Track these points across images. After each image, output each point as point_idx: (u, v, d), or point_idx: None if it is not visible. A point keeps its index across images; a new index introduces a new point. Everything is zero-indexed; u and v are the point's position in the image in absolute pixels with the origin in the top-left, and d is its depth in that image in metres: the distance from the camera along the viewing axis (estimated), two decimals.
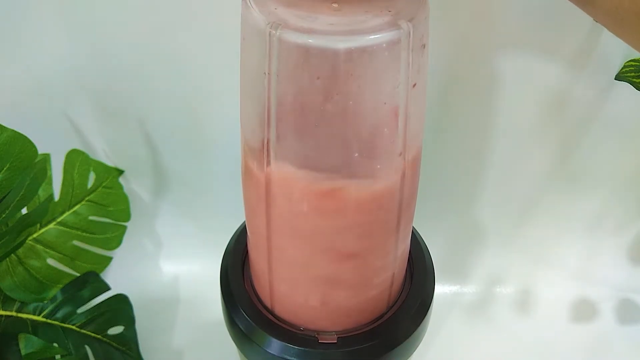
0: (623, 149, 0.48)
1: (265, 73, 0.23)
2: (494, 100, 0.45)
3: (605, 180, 0.50)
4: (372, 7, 0.23)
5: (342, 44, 0.21)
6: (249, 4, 0.24)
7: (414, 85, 0.24)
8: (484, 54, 0.42)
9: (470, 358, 0.51)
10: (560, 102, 0.45)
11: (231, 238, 0.37)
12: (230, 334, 0.34)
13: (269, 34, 0.22)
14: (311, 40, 0.22)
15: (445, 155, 0.48)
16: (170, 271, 0.56)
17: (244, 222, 0.36)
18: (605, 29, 0.24)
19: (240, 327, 0.32)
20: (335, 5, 0.23)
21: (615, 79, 0.42)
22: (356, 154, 0.25)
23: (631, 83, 0.41)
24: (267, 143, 0.25)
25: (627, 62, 0.41)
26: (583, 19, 0.35)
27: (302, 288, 0.30)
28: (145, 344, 0.48)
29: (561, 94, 0.44)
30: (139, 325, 0.48)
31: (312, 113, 0.23)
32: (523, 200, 0.52)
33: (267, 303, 0.33)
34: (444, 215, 0.53)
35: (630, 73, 0.41)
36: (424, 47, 0.24)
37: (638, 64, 0.41)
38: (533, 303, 0.55)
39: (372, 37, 0.22)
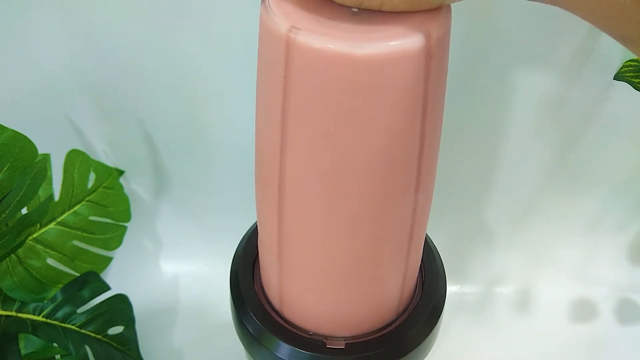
0: (622, 149, 0.48)
1: (283, 76, 0.23)
2: (493, 101, 0.45)
3: (605, 180, 0.50)
4: (392, 14, 0.23)
5: (361, 50, 0.21)
6: (269, 7, 0.23)
7: (433, 92, 0.24)
8: (484, 55, 0.42)
9: (470, 358, 0.51)
10: (559, 103, 0.45)
11: (241, 240, 0.37)
12: (238, 336, 0.34)
13: (288, 38, 0.22)
14: (330, 45, 0.21)
15: (444, 156, 0.48)
16: (170, 271, 0.56)
17: (254, 223, 0.36)
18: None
19: (249, 329, 0.32)
20: (355, 10, 0.23)
21: (614, 78, 0.42)
22: (370, 172, 0.24)
23: (630, 83, 0.41)
24: (282, 147, 0.25)
25: (626, 62, 0.41)
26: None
27: (311, 292, 0.30)
28: (145, 344, 0.48)
29: (560, 95, 0.44)
30: (139, 325, 0.48)
31: (328, 118, 0.23)
32: (523, 201, 0.52)
33: (277, 306, 0.33)
34: (443, 216, 0.53)
35: (629, 73, 0.41)
36: (444, 55, 0.24)
37: (637, 63, 0.41)
38: (533, 303, 0.55)
39: (392, 43, 0.21)
